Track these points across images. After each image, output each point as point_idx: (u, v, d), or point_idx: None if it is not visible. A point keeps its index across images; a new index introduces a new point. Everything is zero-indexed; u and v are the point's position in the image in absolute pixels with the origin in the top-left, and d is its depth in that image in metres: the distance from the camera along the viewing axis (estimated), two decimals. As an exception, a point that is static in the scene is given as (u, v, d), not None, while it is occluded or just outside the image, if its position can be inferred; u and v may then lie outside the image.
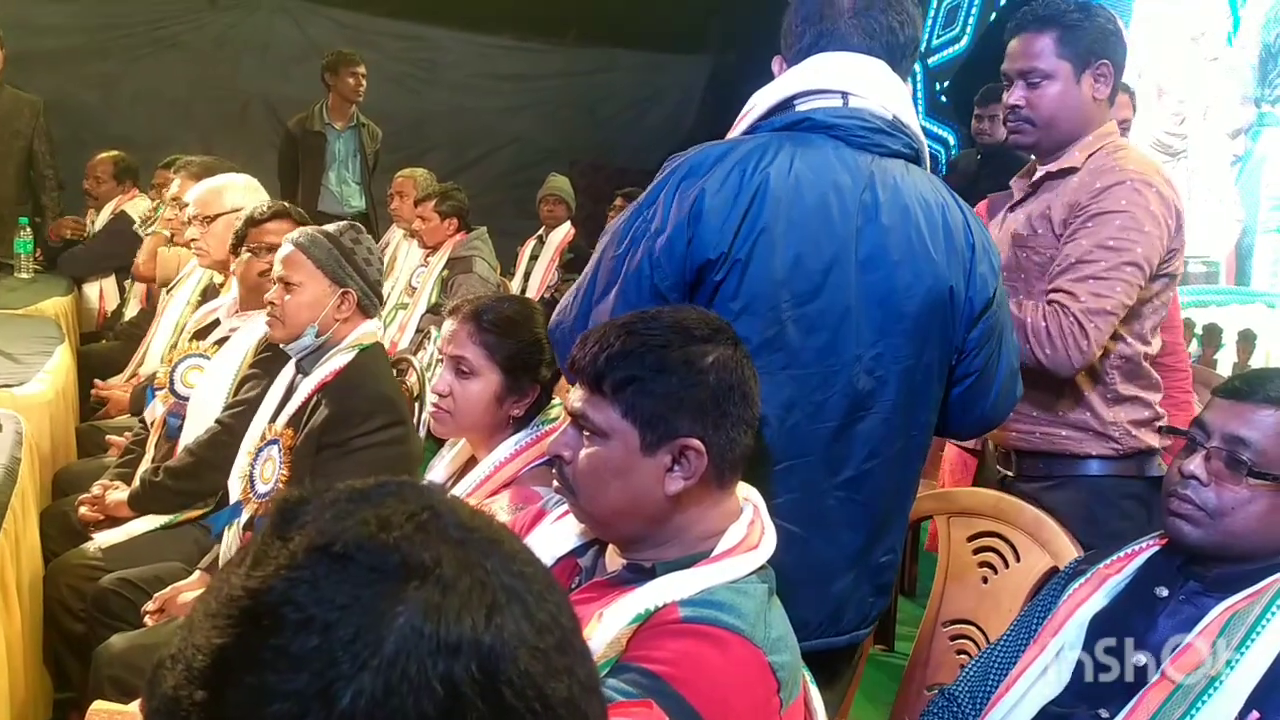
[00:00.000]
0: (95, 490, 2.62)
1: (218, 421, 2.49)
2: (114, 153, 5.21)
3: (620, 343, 1.27)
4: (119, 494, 2.56)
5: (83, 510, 2.58)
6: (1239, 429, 1.44)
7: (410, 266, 4.62)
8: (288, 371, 2.37)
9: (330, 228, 2.33)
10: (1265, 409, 1.44)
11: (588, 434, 1.28)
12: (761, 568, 1.30)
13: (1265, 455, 1.43)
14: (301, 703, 0.51)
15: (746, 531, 1.30)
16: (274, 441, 2.20)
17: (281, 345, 2.30)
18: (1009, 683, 1.54)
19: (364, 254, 2.32)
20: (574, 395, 1.30)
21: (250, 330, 2.61)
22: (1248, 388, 1.48)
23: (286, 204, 2.65)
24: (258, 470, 2.20)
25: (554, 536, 1.43)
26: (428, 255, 4.52)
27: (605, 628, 1.22)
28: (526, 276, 5.27)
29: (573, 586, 1.38)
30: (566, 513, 1.45)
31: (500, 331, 1.87)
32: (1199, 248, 4.92)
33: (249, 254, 2.61)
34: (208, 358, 2.67)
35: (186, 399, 2.63)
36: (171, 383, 2.68)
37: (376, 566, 0.54)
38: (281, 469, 2.14)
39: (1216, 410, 1.49)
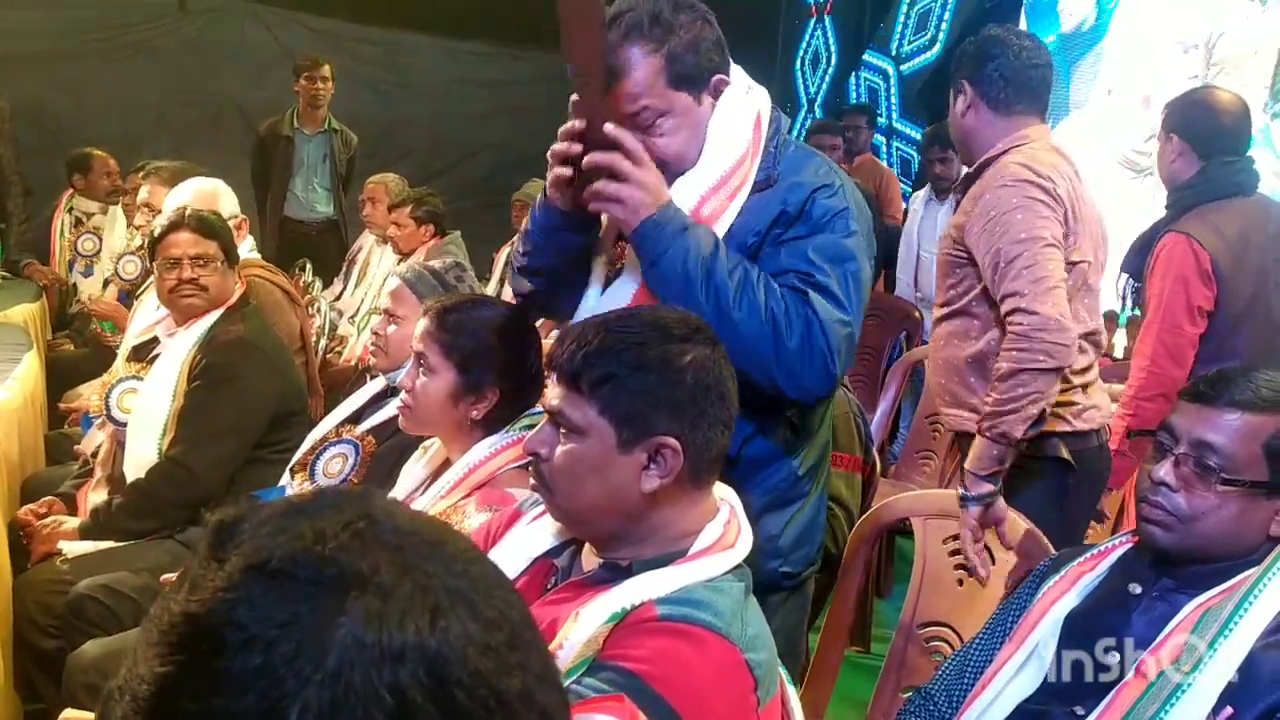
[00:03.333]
0: (44, 502, 2.59)
1: (170, 459, 2.47)
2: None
3: (598, 340, 1.27)
4: (70, 524, 2.52)
5: (34, 527, 2.54)
6: (1205, 434, 1.45)
7: (383, 272, 4.59)
8: (373, 386, 2.41)
9: (436, 263, 2.44)
10: (1231, 412, 1.45)
11: (565, 431, 1.28)
12: (738, 566, 1.30)
13: (1233, 460, 1.44)
14: None
15: (723, 531, 1.31)
16: (352, 443, 2.23)
17: (381, 374, 2.38)
18: (984, 681, 1.55)
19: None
20: (551, 393, 1.30)
21: (178, 347, 2.58)
22: (1212, 391, 1.48)
23: (186, 213, 2.61)
24: (321, 464, 2.22)
25: (530, 537, 1.43)
26: (401, 261, 4.50)
27: (581, 627, 1.22)
28: (501, 282, 5.25)
29: (549, 586, 1.38)
30: (543, 514, 1.45)
31: (457, 331, 1.87)
32: None
33: (158, 269, 2.58)
34: (141, 379, 2.63)
35: (124, 424, 2.59)
36: (108, 409, 2.63)
37: (314, 579, 0.54)
38: (355, 471, 2.17)
39: (1183, 414, 1.49)
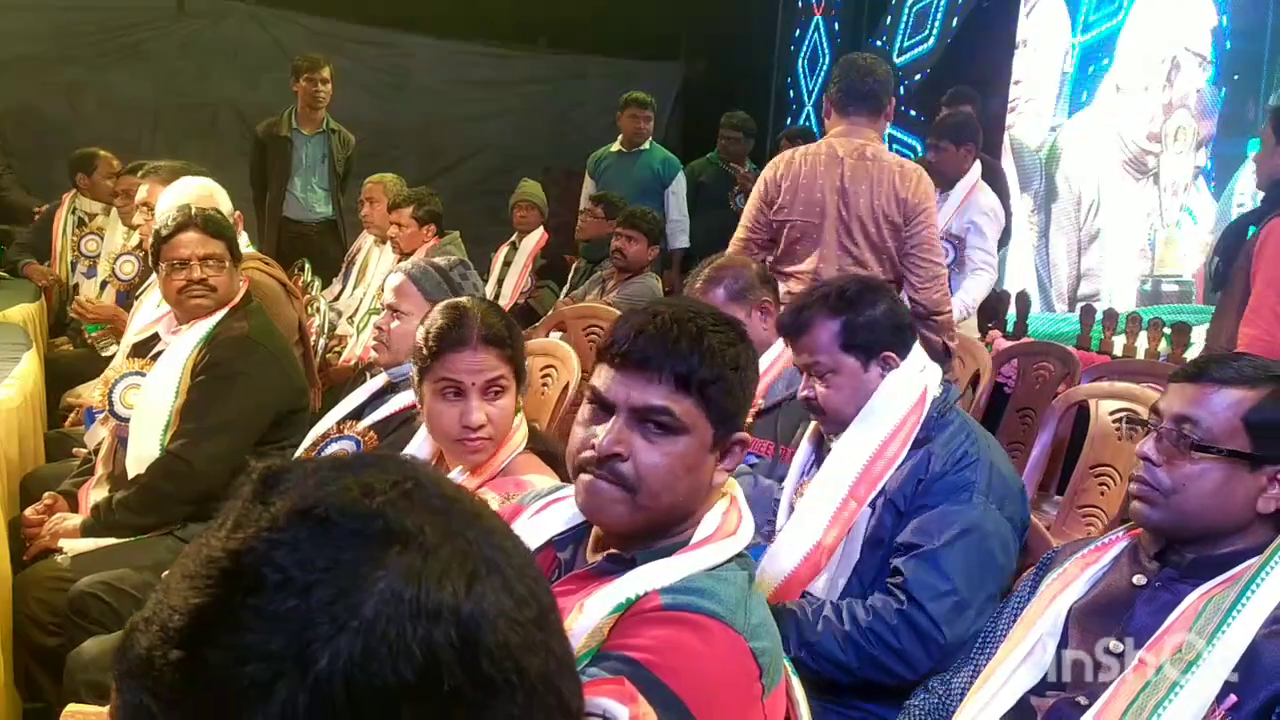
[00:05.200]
0: (46, 500, 2.58)
1: (171, 453, 2.46)
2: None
3: (705, 339, 1.27)
4: (72, 521, 2.51)
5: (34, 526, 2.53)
6: (1186, 409, 1.48)
7: (382, 272, 4.59)
8: (374, 384, 2.41)
9: (441, 261, 2.44)
10: (1211, 387, 1.48)
11: (659, 429, 1.26)
12: (740, 555, 1.30)
13: (1210, 431, 1.46)
14: (277, 664, 0.51)
15: (722, 519, 1.31)
16: (353, 438, 2.23)
17: (383, 368, 2.40)
18: (988, 673, 1.55)
19: (470, 290, 2.42)
20: (643, 390, 1.26)
21: (182, 344, 2.57)
22: (1198, 371, 1.53)
23: (192, 212, 2.59)
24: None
25: (531, 531, 1.42)
26: (400, 260, 4.49)
27: (586, 617, 1.21)
28: (500, 283, 5.26)
29: (552, 579, 1.37)
30: (544, 508, 1.44)
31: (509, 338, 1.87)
32: (1171, 267, 4.95)
33: (165, 270, 2.57)
34: (144, 375, 2.62)
35: (127, 420, 2.57)
36: (111, 405, 2.62)
37: (359, 530, 0.54)
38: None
39: (1170, 395, 1.53)
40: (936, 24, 6.72)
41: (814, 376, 2.02)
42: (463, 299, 1.99)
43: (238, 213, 3.16)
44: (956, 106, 4.81)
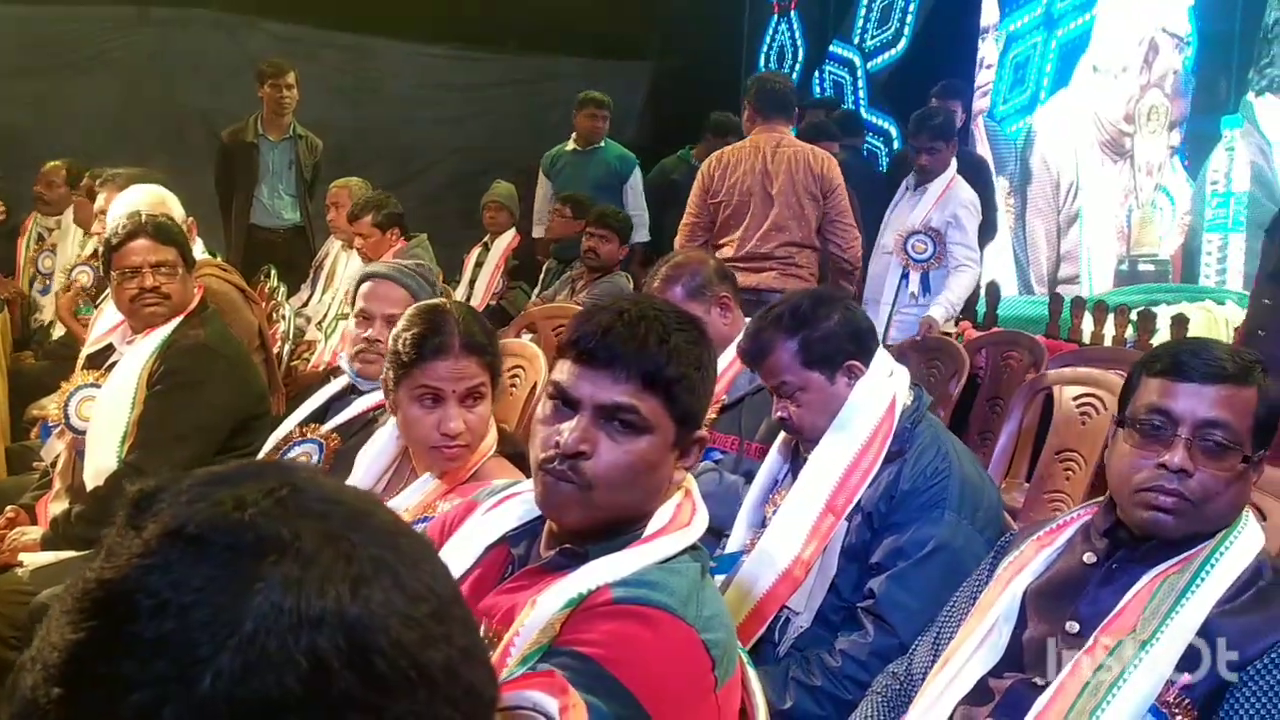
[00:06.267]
0: (8, 514, 2.55)
1: (129, 464, 2.43)
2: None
3: (672, 338, 1.26)
4: (31, 535, 2.48)
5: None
6: (1208, 412, 1.42)
7: (350, 277, 4.56)
8: (335, 385, 2.36)
9: (407, 264, 2.42)
10: (1222, 387, 1.43)
11: (622, 427, 1.25)
12: (694, 546, 1.30)
13: (1239, 435, 1.42)
14: (161, 689, 0.50)
15: (675, 511, 1.31)
16: (316, 441, 2.20)
17: (371, 380, 2.32)
18: (947, 656, 1.55)
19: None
20: (610, 388, 1.25)
21: (136, 354, 2.54)
22: (1187, 364, 1.45)
23: (142, 219, 2.56)
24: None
25: (485, 527, 1.42)
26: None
27: (538, 614, 1.21)
28: (471, 284, 5.24)
29: (506, 575, 1.36)
30: (498, 504, 1.43)
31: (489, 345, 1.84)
32: (1148, 247, 4.99)
33: (117, 279, 2.54)
34: (100, 386, 2.58)
35: (84, 432, 2.54)
36: (66, 417, 2.59)
37: (231, 545, 0.53)
38: (320, 466, 2.14)
39: (1169, 395, 1.44)
40: (901, 17, 6.76)
41: (784, 397, 2.03)
42: (438, 300, 1.97)
43: (191, 219, 3.14)
44: (946, 101, 4.81)
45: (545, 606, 1.21)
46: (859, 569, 1.93)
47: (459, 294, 5.28)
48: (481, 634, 1.27)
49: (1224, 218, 4.59)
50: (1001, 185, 5.65)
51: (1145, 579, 1.42)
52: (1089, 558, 1.50)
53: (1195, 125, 4.82)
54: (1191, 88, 4.83)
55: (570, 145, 5.73)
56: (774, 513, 2.03)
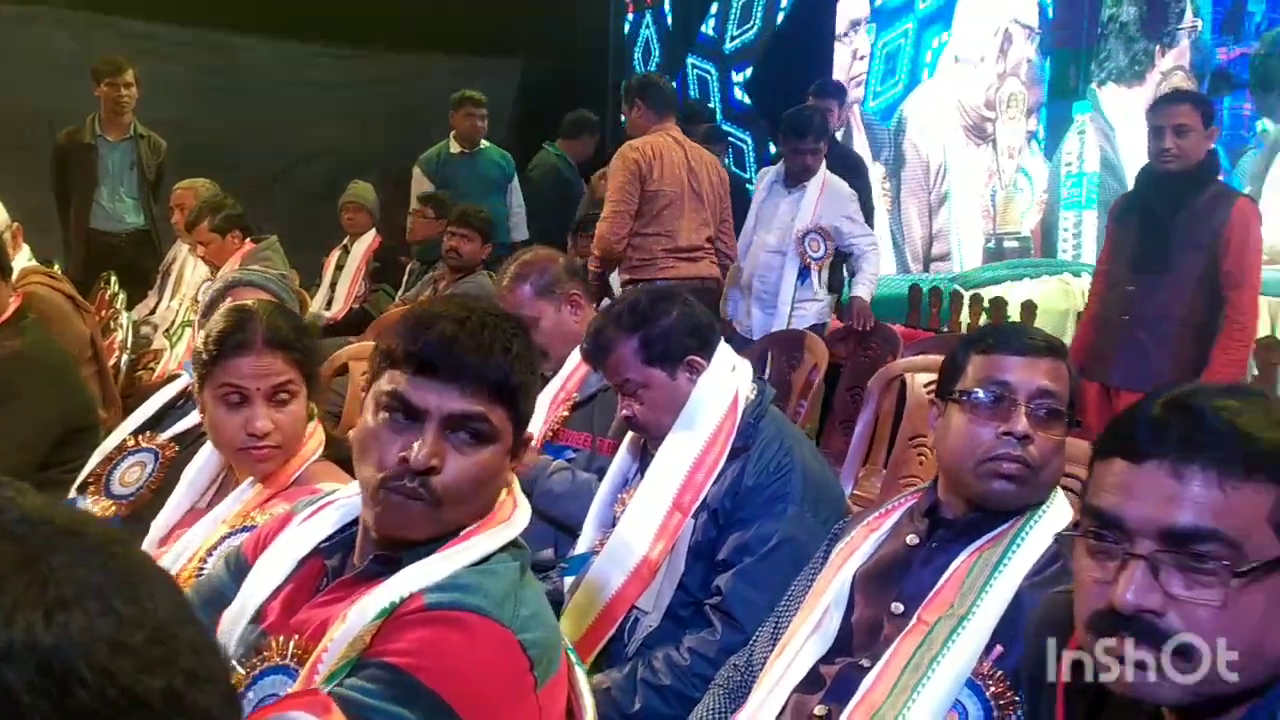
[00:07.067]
0: None
1: None
2: None
3: (514, 345, 1.24)
4: None
5: None
6: (1041, 381, 1.47)
7: (196, 281, 4.39)
8: (171, 388, 2.25)
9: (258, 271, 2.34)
10: (1046, 359, 1.49)
11: (470, 437, 1.21)
12: (515, 544, 1.27)
13: (1064, 402, 1.49)
14: None
15: (495, 509, 1.28)
16: (151, 450, 2.09)
17: None
18: (782, 645, 1.56)
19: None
20: (458, 398, 1.21)
21: None
22: (1015, 340, 1.51)
23: None
24: (117, 475, 2.09)
25: (299, 538, 1.37)
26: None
27: (348, 626, 1.17)
28: (332, 287, 5.10)
29: (320, 587, 1.31)
30: (313, 514, 1.38)
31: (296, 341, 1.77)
32: (1011, 225, 5.25)
33: None
34: None
35: None
36: None
37: None
38: (153, 478, 2.04)
39: (1003, 368, 1.48)
40: (763, 15, 6.86)
41: (628, 395, 2.03)
42: (248, 302, 1.89)
43: (16, 225, 2.97)
44: (822, 100, 4.89)
45: (356, 619, 1.17)
46: (706, 566, 1.93)
47: (318, 298, 5.14)
48: (278, 650, 1.23)
49: (1078, 196, 4.88)
50: (878, 170, 5.87)
51: (962, 556, 1.46)
52: (911, 539, 1.52)
53: (1050, 110, 5.09)
54: (1045, 76, 5.10)
55: (453, 146, 5.66)
56: (623, 512, 2.02)
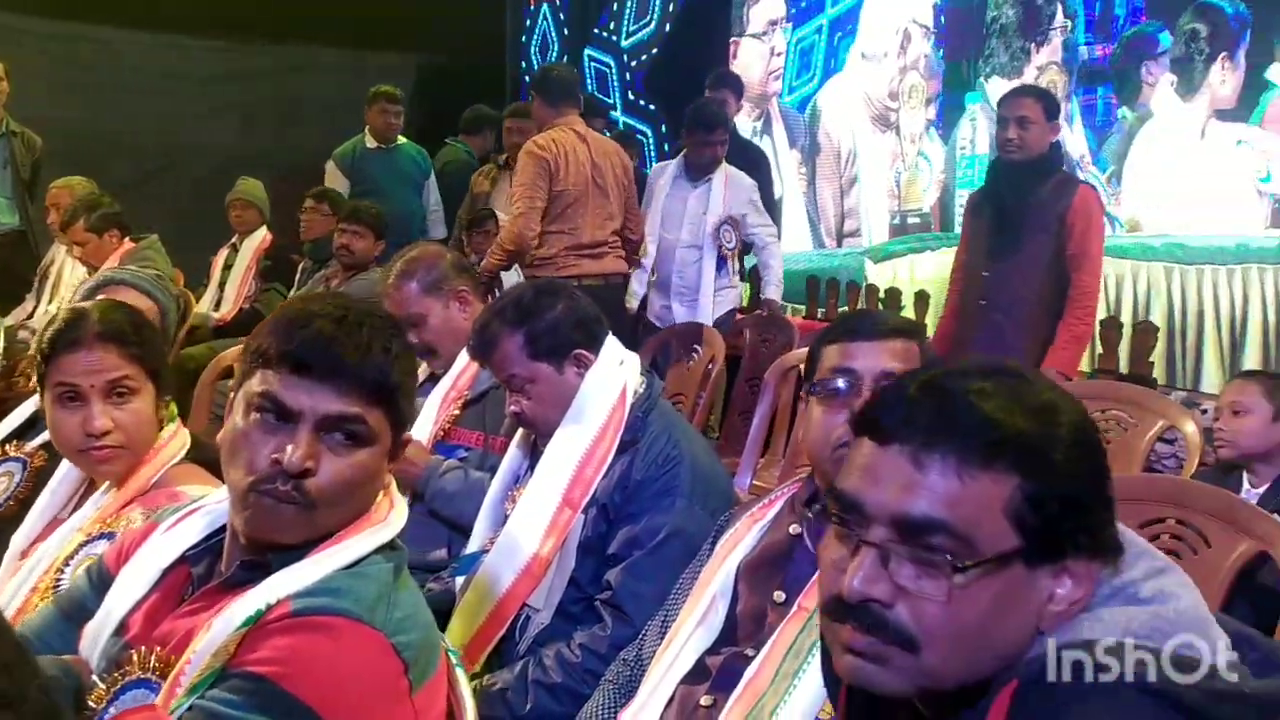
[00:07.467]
0: None
1: None
2: None
3: (393, 345, 1.21)
4: None
5: None
6: (887, 363, 1.47)
7: (75, 283, 4.20)
8: (33, 403, 2.11)
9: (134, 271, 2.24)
10: (891, 340, 1.51)
11: (346, 439, 1.18)
12: (390, 545, 1.25)
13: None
14: None
15: (371, 510, 1.25)
16: (19, 460, 1.99)
17: None
18: (670, 637, 1.56)
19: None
20: (335, 399, 1.17)
21: None
22: (859, 326, 1.54)
23: None
24: None
25: (164, 547, 1.32)
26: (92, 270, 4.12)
27: (212, 636, 1.14)
28: (221, 287, 4.94)
29: (185, 596, 1.27)
30: (178, 521, 1.33)
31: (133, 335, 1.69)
32: (913, 203, 5.67)
33: None
34: None
35: None
36: None
37: None
38: (21, 487, 1.93)
39: (848, 356, 1.49)
40: (660, 8, 6.89)
41: (515, 391, 2.01)
42: (87, 303, 1.82)
43: None
44: (719, 91, 4.94)
45: (220, 628, 1.14)
46: (597, 561, 1.92)
47: (207, 298, 4.98)
48: (140, 662, 1.18)
49: (971, 176, 5.22)
50: (794, 156, 6.37)
51: None
52: (794, 529, 1.53)
53: (946, 100, 5.49)
54: (941, 70, 5.50)
55: (368, 140, 5.52)
56: (513, 509, 2.00)
